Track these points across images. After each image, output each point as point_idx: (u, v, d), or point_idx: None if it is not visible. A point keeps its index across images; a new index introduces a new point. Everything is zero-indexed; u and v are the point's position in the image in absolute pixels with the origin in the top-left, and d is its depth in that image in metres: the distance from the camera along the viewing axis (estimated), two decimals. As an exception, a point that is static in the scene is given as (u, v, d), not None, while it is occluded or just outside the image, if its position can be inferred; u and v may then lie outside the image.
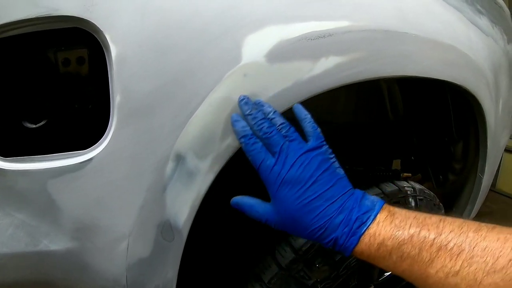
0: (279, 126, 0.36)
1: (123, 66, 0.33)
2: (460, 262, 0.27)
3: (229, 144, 0.37)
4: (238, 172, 0.46)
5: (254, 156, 0.36)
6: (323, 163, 0.35)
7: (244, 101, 0.36)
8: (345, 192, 0.35)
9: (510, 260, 0.26)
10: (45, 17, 0.32)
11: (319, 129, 0.38)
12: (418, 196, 0.63)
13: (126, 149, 0.35)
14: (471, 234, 0.29)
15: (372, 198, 0.35)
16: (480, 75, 0.65)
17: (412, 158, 0.84)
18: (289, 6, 0.39)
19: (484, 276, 0.26)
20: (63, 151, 0.36)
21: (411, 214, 0.33)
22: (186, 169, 0.37)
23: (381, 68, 0.48)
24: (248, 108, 0.36)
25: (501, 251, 0.26)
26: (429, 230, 0.30)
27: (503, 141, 0.81)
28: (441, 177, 0.80)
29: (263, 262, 0.52)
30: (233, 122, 0.36)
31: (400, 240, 0.31)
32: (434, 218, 0.31)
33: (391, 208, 0.34)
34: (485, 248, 0.27)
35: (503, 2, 0.79)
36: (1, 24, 0.31)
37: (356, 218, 0.33)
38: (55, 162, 0.36)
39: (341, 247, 0.34)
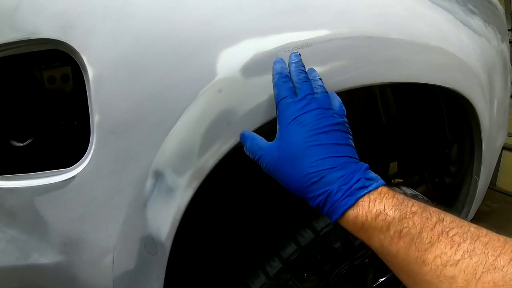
0: (317, 86, 0.37)
1: (100, 86, 0.34)
2: (461, 252, 0.26)
3: (207, 159, 0.38)
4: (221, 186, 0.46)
5: (280, 89, 0.35)
6: (341, 126, 0.34)
7: (295, 54, 0.38)
8: (352, 156, 0.33)
9: (511, 260, 0.24)
10: (25, 40, 0.33)
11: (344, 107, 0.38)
12: (410, 201, 0.62)
13: (106, 167, 0.36)
14: (472, 229, 0.27)
15: (376, 175, 0.33)
16: (472, 77, 0.63)
17: (409, 159, 0.83)
18: (265, 18, 0.39)
19: (484, 271, 0.24)
20: (50, 168, 0.37)
21: (412, 199, 0.31)
22: (165, 186, 0.37)
23: (366, 75, 0.47)
24: (296, 59, 0.37)
25: (502, 249, 0.25)
26: (431, 214, 0.28)
27: (499, 142, 0.79)
28: (437, 180, 0.79)
29: (251, 272, 0.52)
30: (275, 62, 0.37)
31: (402, 213, 0.28)
32: (435, 208, 0.30)
33: (393, 190, 0.32)
34: (487, 243, 0.26)
35: (496, 0, 0.77)
36: (-17, 48, 0.32)
37: (358, 179, 0.31)
38: (41, 180, 0.37)
39: (333, 205, 0.31)
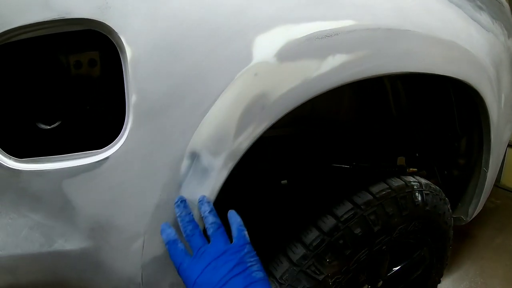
0: (208, 225, 0.38)
1: (138, 67, 0.34)
2: None
3: (242, 141, 0.38)
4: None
5: (173, 257, 0.37)
6: (238, 266, 0.35)
7: (177, 204, 0.38)
8: None
9: None
10: (59, 19, 0.33)
11: (245, 232, 0.39)
12: (424, 190, 0.63)
13: (141, 148, 0.36)
14: None
15: None
16: (481, 70, 0.65)
17: (417, 155, 0.85)
18: (295, 7, 0.40)
19: None
20: (77, 151, 0.37)
21: None
22: (201, 166, 0.37)
23: (385, 65, 0.49)
24: (179, 211, 0.38)
25: None
26: None
27: (506, 136, 0.81)
28: (446, 172, 0.80)
29: (274, 259, 0.52)
30: (161, 232, 0.38)
31: None
32: None
33: None
34: None
35: (502, -3, 0.80)
36: (15, 27, 0.32)
37: None
38: (71, 162, 0.36)
39: None
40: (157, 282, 0.42)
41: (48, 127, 0.39)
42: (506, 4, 0.81)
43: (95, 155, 0.36)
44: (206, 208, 0.38)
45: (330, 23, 0.42)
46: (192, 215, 0.38)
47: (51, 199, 0.36)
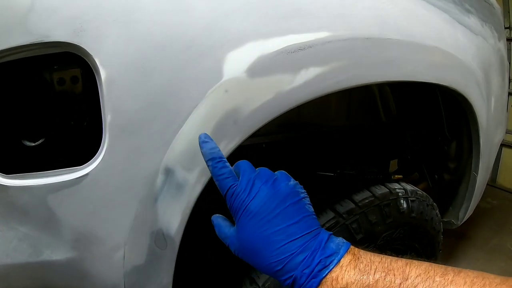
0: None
1: (112, 88, 0.36)
2: None
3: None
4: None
5: (221, 182, 0.34)
6: (291, 196, 0.34)
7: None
8: (310, 232, 0.33)
9: None
10: (38, 43, 0.34)
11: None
12: (410, 197, 0.64)
13: (118, 164, 0.37)
14: (437, 279, 0.28)
15: (337, 240, 0.34)
16: (468, 74, 0.65)
17: (409, 157, 0.84)
18: (267, 21, 0.41)
19: None
20: (61, 167, 0.38)
21: (377, 258, 0.32)
22: (175, 181, 0.39)
23: (364, 75, 0.49)
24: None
25: None
26: (395, 275, 0.30)
27: (497, 139, 0.81)
28: (436, 176, 0.80)
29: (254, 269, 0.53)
30: (201, 143, 0.35)
31: (364, 285, 0.30)
32: (400, 262, 0.31)
33: (357, 251, 0.33)
34: None
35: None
36: (-4, 52, 0.34)
37: (319, 261, 0.32)
38: (54, 178, 0.38)
39: (301, 287, 0.32)
40: (140, 290, 0.43)
41: (33, 144, 0.40)
42: (496, 6, 0.80)
43: (76, 171, 0.38)
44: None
45: (304, 35, 0.43)
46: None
47: (38, 213, 0.38)
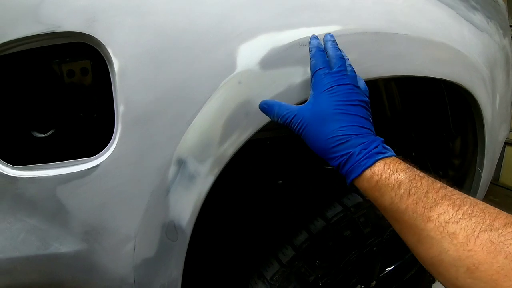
0: (348, 65, 0.41)
1: (125, 78, 0.35)
2: (461, 213, 0.29)
3: (227, 148, 0.39)
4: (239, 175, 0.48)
5: (317, 60, 0.39)
6: (365, 104, 0.39)
7: (331, 34, 0.42)
8: (372, 131, 0.38)
9: (505, 224, 0.27)
10: (50, 33, 0.34)
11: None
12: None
13: (130, 155, 0.37)
14: (471, 198, 0.31)
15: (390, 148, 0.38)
16: (474, 71, 0.65)
17: (413, 154, 0.85)
18: (279, 14, 0.41)
19: (482, 231, 0.27)
20: (71, 158, 0.38)
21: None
22: (188, 172, 0.39)
23: (372, 69, 0.49)
24: (332, 39, 0.41)
25: (497, 215, 0.28)
26: (436, 181, 0.32)
27: (502, 136, 0.81)
28: (441, 172, 0.80)
29: (265, 260, 0.53)
30: (312, 37, 0.41)
31: (411, 175, 0.32)
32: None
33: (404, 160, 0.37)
34: (484, 209, 0.29)
35: (498, -4, 0.79)
36: (7, 41, 0.33)
37: (377, 146, 0.36)
38: (64, 169, 0.38)
39: (353, 165, 0.35)
40: (149, 282, 0.43)
41: (43, 135, 0.40)
42: (502, 3, 0.80)
43: (86, 162, 0.38)
44: (347, 57, 0.42)
45: (315, 29, 0.43)
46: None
47: (46, 205, 0.38)
